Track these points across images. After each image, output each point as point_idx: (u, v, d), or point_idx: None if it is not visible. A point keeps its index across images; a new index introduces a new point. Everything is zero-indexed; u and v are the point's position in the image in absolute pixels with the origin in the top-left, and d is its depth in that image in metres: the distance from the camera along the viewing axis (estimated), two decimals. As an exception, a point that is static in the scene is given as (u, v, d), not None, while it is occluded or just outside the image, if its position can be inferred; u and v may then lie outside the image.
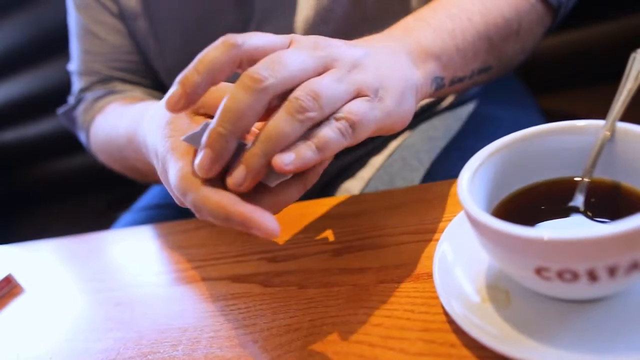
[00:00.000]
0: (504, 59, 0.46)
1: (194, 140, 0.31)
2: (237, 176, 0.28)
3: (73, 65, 0.64)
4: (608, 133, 0.29)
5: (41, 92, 1.01)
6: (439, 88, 0.40)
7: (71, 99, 0.64)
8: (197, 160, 0.29)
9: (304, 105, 0.28)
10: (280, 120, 0.28)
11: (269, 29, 0.53)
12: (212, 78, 0.29)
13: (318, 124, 0.30)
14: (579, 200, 0.29)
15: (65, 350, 0.41)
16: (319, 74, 0.30)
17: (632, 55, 0.30)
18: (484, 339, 0.26)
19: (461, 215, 0.35)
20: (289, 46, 0.32)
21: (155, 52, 0.59)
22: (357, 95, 0.31)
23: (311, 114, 0.29)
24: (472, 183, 0.28)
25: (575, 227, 0.28)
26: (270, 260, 0.41)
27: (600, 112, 0.31)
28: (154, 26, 0.57)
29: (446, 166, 0.49)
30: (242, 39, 0.30)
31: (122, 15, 0.60)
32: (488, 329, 0.27)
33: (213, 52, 0.29)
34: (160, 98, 0.60)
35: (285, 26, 0.52)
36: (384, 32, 0.40)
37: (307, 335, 0.33)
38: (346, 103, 0.31)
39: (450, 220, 0.35)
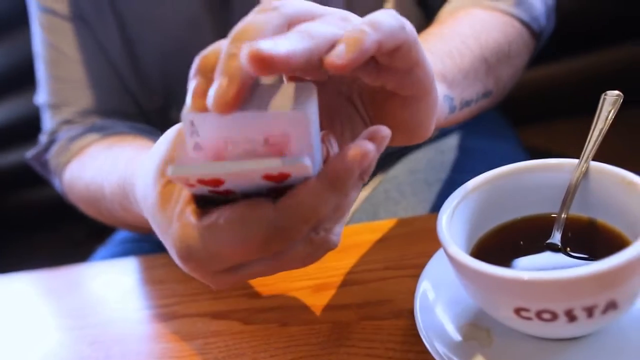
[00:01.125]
0: (500, 83, 0.47)
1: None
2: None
3: (41, 97, 0.56)
4: (582, 171, 0.30)
5: (19, 119, 1.00)
6: (452, 110, 0.38)
7: (42, 138, 0.56)
8: (211, 92, 0.22)
9: (335, 18, 0.24)
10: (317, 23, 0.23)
11: None
12: None
13: None
14: (556, 237, 0.29)
15: (35, 393, 0.39)
16: None
17: (602, 97, 0.31)
18: (466, 380, 0.26)
19: (441, 251, 0.35)
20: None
21: (139, 93, 0.56)
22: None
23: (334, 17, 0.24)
24: (451, 221, 0.29)
25: (553, 265, 0.28)
26: (250, 296, 0.40)
27: (578, 144, 0.32)
28: (136, 69, 0.55)
29: (428, 198, 0.50)
30: (285, 4, 0.24)
31: (99, 43, 0.55)
32: (469, 369, 0.27)
33: (253, 22, 0.23)
34: (146, 132, 0.55)
35: None
36: None
37: (288, 375, 0.32)
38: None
39: (431, 255, 0.35)
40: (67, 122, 0.54)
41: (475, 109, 0.44)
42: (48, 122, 0.56)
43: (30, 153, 0.57)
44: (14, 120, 1.00)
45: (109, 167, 0.43)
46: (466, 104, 0.42)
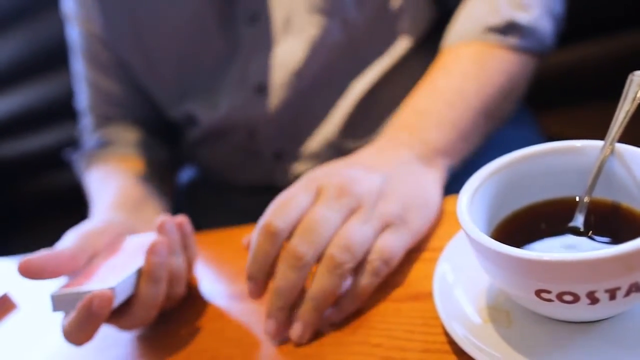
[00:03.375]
0: (499, 118, 0.49)
1: (122, 286, 0.35)
2: (297, 330, 0.33)
3: (79, 104, 0.68)
4: (607, 153, 0.29)
5: (38, 106, 1.01)
6: (452, 170, 0.44)
7: (79, 136, 0.68)
8: (267, 329, 0.34)
9: (339, 261, 0.33)
10: (323, 279, 0.33)
11: (258, 60, 0.54)
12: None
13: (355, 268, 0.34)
14: (578, 221, 0.29)
15: (60, 369, 0.40)
16: (347, 219, 0.35)
17: (630, 78, 0.30)
18: (485, 361, 0.26)
19: (461, 233, 0.35)
20: (316, 196, 0.36)
21: (152, 85, 0.61)
22: (385, 227, 0.35)
23: (347, 266, 0.33)
24: (471, 203, 0.28)
25: (575, 248, 0.28)
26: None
27: (598, 130, 0.31)
28: (148, 60, 0.59)
29: (447, 183, 0.49)
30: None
31: (118, 62, 0.62)
32: (489, 350, 0.27)
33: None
34: (149, 144, 0.63)
35: (272, 59, 0.53)
36: (389, 133, 0.42)
37: (306, 356, 0.32)
38: (376, 239, 0.35)
39: (449, 238, 0.35)
40: (94, 127, 0.65)
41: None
42: (82, 122, 0.67)
43: (69, 154, 0.68)
44: (35, 106, 1.01)
45: (96, 199, 0.56)
46: (465, 156, 0.45)
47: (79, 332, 0.34)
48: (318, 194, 0.36)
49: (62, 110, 0.89)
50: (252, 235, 0.35)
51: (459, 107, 0.43)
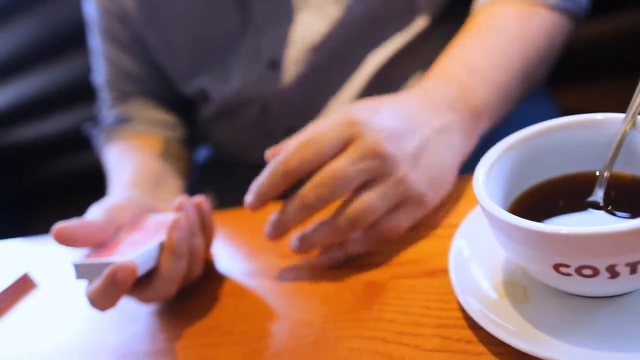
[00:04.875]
0: (534, 83, 0.48)
1: (144, 258, 0.36)
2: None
3: (97, 79, 0.68)
4: (629, 126, 0.28)
5: (53, 90, 1.02)
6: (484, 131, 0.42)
7: (97, 112, 0.69)
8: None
9: (341, 228, 0.35)
10: (318, 232, 0.36)
11: (270, 36, 0.53)
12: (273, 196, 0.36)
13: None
14: (598, 195, 0.28)
15: (79, 345, 0.41)
16: (371, 182, 0.35)
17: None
18: (501, 335, 0.26)
19: (477, 210, 0.34)
20: (344, 148, 0.35)
21: (166, 60, 0.61)
22: (401, 202, 0.35)
23: (345, 231, 0.35)
24: (488, 178, 0.28)
25: (594, 223, 0.27)
26: (283, 256, 0.41)
27: (617, 107, 0.30)
28: (163, 35, 0.59)
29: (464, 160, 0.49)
30: (297, 166, 0.34)
31: (134, 39, 0.62)
32: (505, 325, 0.27)
33: (270, 180, 0.36)
34: (167, 122, 0.65)
35: (287, 35, 0.53)
36: (441, 82, 0.41)
37: (321, 330, 0.33)
38: (386, 214, 0.35)
39: (465, 215, 0.34)
40: (112, 103, 0.66)
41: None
42: (100, 97, 0.68)
43: (87, 128, 0.69)
44: (53, 89, 1.02)
45: (115, 175, 0.56)
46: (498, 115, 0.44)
47: (104, 299, 0.35)
48: (348, 142, 0.35)
49: (78, 93, 0.90)
50: (274, 159, 0.36)
51: (504, 68, 0.42)
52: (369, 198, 0.34)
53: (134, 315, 0.41)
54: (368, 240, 0.36)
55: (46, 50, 0.98)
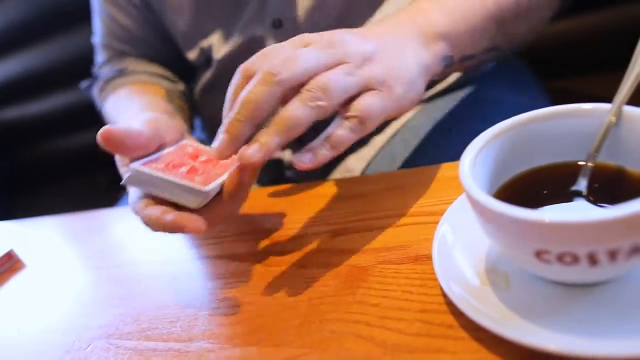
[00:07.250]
0: (515, 38, 0.47)
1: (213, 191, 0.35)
2: (249, 149, 0.32)
3: (95, 39, 0.68)
4: (614, 117, 0.28)
5: (43, 70, 1.01)
6: (449, 66, 0.41)
7: (95, 70, 0.68)
8: (215, 144, 0.33)
9: (313, 95, 0.32)
10: (294, 107, 0.32)
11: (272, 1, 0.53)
12: (254, 120, 0.32)
13: (329, 120, 0.33)
14: (582, 185, 0.29)
15: (65, 325, 0.41)
16: (331, 69, 0.34)
17: (642, 39, 0.29)
18: (482, 321, 0.26)
19: (462, 198, 0.35)
20: (307, 46, 0.35)
21: (171, 22, 0.61)
22: (367, 88, 0.34)
23: (320, 103, 0.32)
24: (474, 165, 0.28)
25: (577, 211, 0.28)
26: (270, 240, 0.41)
27: (606, 99, 0.30)
28: None
29: (448, 148, 0.49)
30: (282, 72, 0.32)
31: (139, 1, 0.61)
32: (486, 311, 0.27)
33: (255, 93, 0.32)
34: (167, 77, 0.64)
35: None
36: (398, 11, 0.41)
37: (305, 314, 0.33)
38: (355, 96, 0.34)
39: (450, 203, 0.35)
40: (110, 58, 0.65)
41: (477, 60, 0.45)
42: (98, 57, 0.68)
43: (83, 84, 0.68)
44: (43, 69, 1.00)
45: (124, 111, 0.54)
46: (467, 58, 0.44)
47: (157, 229, 0.35)
48: (306, 46, 0.35)
49: (69, 73, 0.89)
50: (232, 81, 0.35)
51: (473, 3, 0.42)
52: (336, 72, 0.33)
53: (119, 295, 0.41)
54: (348, 124, 0.33)
55: (36, 29, 0.97)
